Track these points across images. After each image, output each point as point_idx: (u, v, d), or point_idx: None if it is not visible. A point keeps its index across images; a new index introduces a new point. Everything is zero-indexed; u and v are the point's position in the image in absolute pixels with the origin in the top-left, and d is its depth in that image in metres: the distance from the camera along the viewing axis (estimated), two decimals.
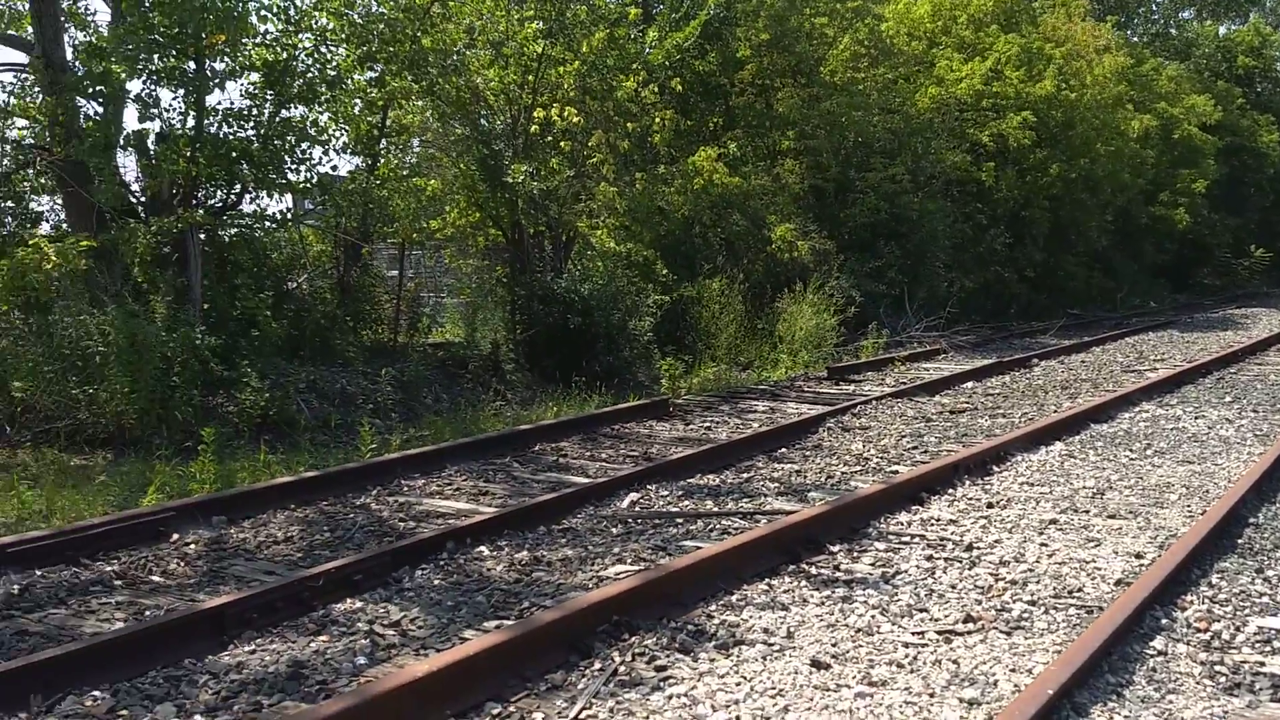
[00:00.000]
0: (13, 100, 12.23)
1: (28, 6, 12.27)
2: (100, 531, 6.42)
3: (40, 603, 5.41)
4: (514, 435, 9.95)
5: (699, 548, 5.94)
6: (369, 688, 3.77)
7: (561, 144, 15.22)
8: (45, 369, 10.47)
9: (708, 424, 11.10)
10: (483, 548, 6.19)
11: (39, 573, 5.87)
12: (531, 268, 15.01)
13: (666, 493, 7.62)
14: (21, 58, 12.41)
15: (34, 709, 3.93)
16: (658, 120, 16.71)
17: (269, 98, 12.04)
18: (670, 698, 3.88)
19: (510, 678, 4.04)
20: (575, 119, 14.83)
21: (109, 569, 6.01)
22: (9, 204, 12.48)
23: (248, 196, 12.77)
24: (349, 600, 5.28)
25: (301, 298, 13.43)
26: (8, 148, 12.39)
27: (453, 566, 5.85)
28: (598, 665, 4.22)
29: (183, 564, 6.14)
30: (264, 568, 6.04)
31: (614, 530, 6.63)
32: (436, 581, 5.57)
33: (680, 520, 6.84)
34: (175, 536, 6.65)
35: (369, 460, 8.84)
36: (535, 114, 14.69)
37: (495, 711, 3.78)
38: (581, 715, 3.76)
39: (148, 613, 5.22)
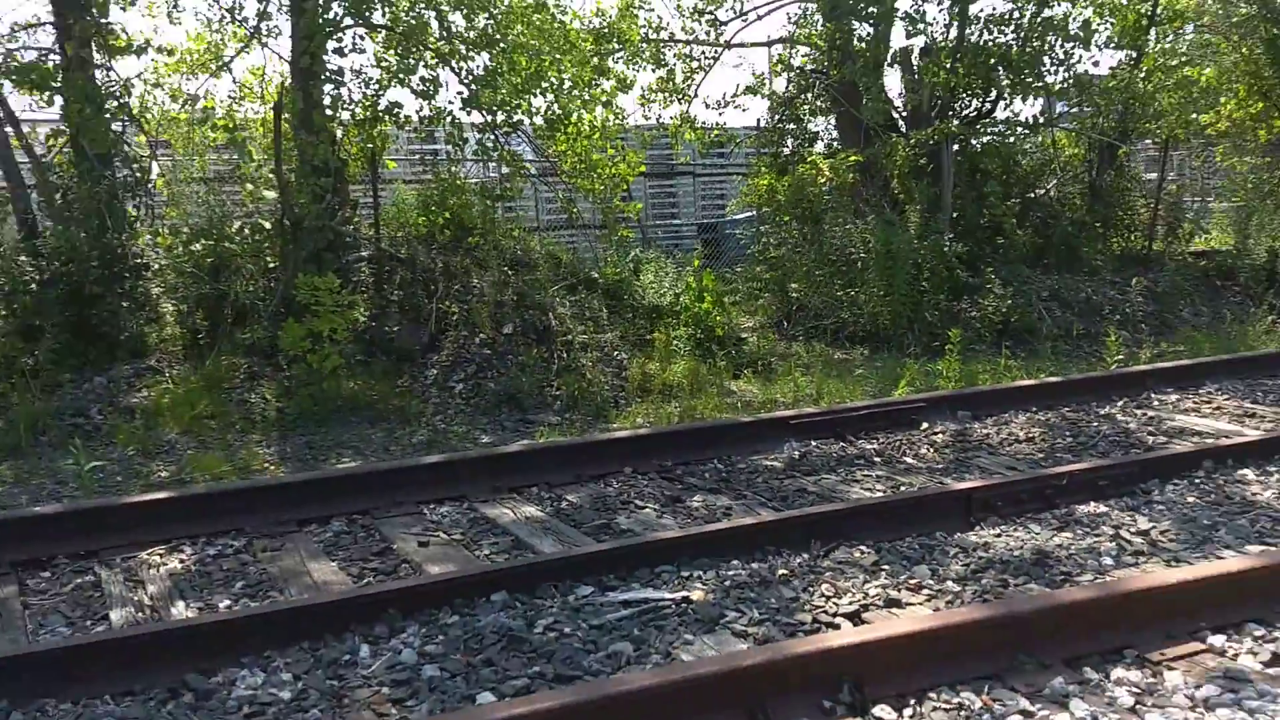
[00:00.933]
0: (797, 30, 13.73)
1: None
2: (863, 414, 7.16)
3: (815, 468, 6.24)
4: None
5: None
6: (1114, 585, 3.72)
7: None
8: (816, 273, 11.82)
9: None
10: (1247, 471, 5.62)
11: (814, 443, 6.76)
12: None
13: None
14: None
15: (814, 551, 4.61)
16: None
17: None
18: None
19: (1277, 604, 3.66)
20: None
21: (869, 447, 6.69)
22: (791, 125, 14.12)
23: (1001, 103, 12.80)
24: (1092, 503, 5.21)
25: (1049, 204, 13.18)
26: (792, 74, 13.98)
27: (1210, 486, 5.42)
28: None
29: (931, 450, 6.58)
30: (1006, 462, 6.21)
31: None
32: (1190, 499, 5.22)
33: None
34: (925, 425, 7.15)
35: (1115, 371, 8.49)
36: None
37: (1258, 634, 3.47)
38: None
39: (901, 487, 5.73)
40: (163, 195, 10.05)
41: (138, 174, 9.21)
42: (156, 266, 9.15)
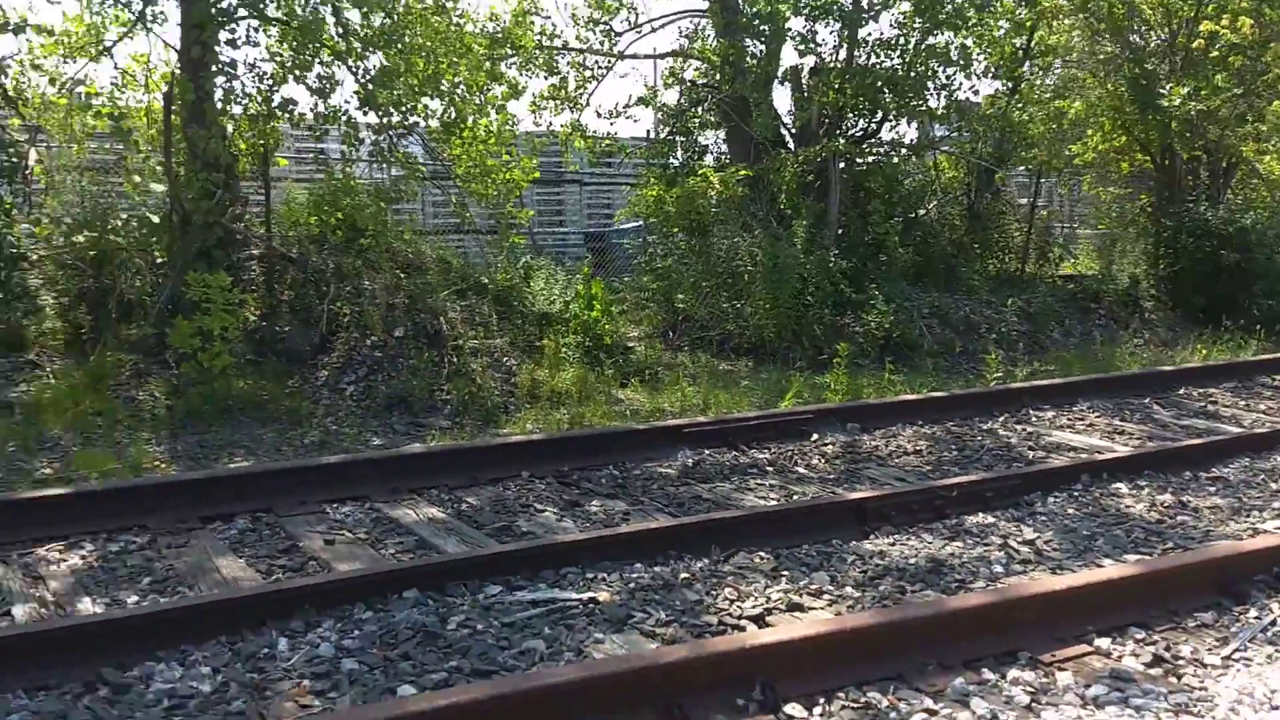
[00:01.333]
0: (690, 44, 13.91)
1: None
2: (754, 424, 7.31)
3: (709, 476, 6.34)
4: (1154, 376, 9.30)
5: None
6: (1008, 590, 3.91)
7: (1230, 59, 13.49)
8: (703, 284, 11.98)
9: None
10: (1120, 484, 5.94)
11: (706, 452, 6.87)
12: (1182, 197, 13.68)
13: None
14: (702, 4, 13.96)
15: (715, 556, 4.69)
16: None
17: (917, 25, 12.29)
18: None
19: (1154, 609, 3.90)
20: (1248, 30, 13.03)
21: (761, 456, 6.83)
22: (682, 138, 14.28)
23: (887, 124, 13.23)
24: (981, 514, 5.43)
25: (929, 224, 13.65)
26: (684, 87, 14.15)
27: (1087, 499, 5.71)
28: (1254, 613, 3.92)
29: (823, 460, 6.77)
30: (895, 474, 6.43)
31: (1274, 485, 5.96)
32: (1070, 510, 5.50)
33: None
34: (815, 436, 7.33)
35: (994, 387, 8.87)
36: (1200, 27, 13.17)
37: (1139, 637, 3.70)
38: (1235, 656, 3.54)
39: (795, 496, 5.87)
40: (40, 183, 9.56)
41: (14, 159, 8.74)
42: (35, 257, 8.72)
